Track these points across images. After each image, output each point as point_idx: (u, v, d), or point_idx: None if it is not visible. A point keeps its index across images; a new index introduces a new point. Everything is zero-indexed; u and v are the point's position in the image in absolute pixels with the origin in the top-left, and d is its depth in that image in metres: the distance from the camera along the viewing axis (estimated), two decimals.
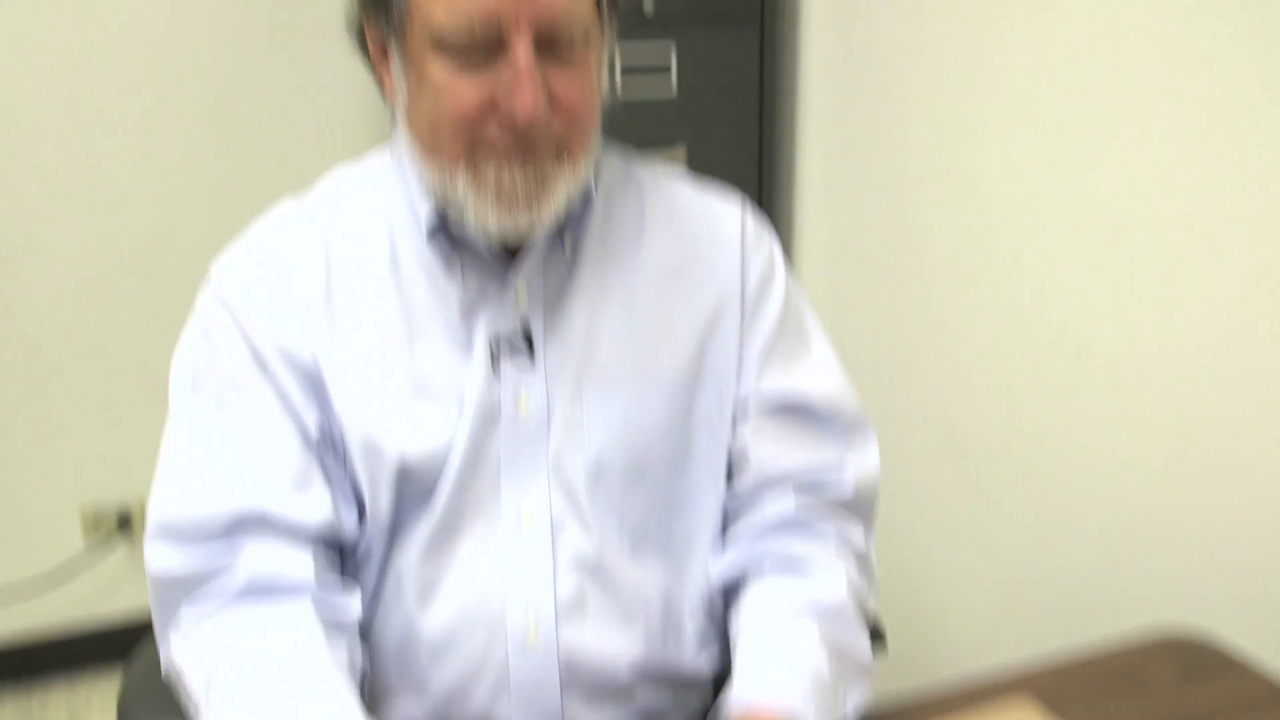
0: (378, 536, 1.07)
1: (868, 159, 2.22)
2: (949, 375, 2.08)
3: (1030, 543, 1.95)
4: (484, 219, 1.03)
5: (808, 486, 1.13)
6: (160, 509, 1.03)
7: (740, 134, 2.32)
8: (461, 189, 1.02)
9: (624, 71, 2.17)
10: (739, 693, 1.00)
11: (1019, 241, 1.89)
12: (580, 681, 1.07)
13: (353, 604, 1.05)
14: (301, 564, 1.02)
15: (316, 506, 1.04)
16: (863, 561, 1.14)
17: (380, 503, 1.06)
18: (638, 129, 2.18)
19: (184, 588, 1.01)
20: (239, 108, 2.54)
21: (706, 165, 2.27)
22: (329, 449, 1.06)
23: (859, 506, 1.15)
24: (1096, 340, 1.77)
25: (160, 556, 1.02)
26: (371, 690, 1.10)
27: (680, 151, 2.25)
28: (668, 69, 2.21)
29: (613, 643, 1.08)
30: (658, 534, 1.10)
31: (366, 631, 1.09)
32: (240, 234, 1.13)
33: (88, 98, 2.43)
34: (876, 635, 1.20)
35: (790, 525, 1.12)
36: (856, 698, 1.07)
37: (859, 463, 1.15)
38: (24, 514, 2.53)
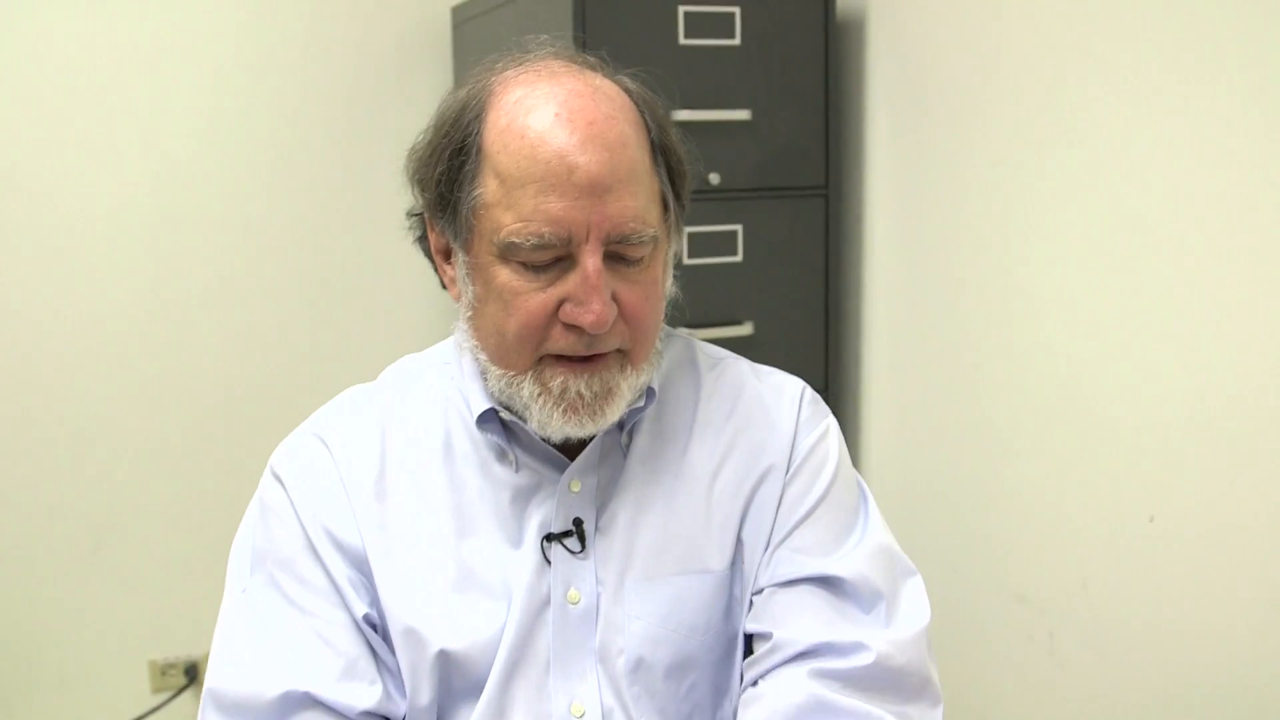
0: None
1: (934, 329, 2.22)
2: (1022, 534, 2.04)
3: (1105, 711, 1.89)
4: (548, 426, 1.04)
5: (822, 663, 1.04)
6: (214, 681, 1.04)
7: (806, 306, 2.32)
8: (526, 397, 1.03)
9: (690, 250, 2.19)
10: None
11: (1093, 407, 1.87)
12: None
13: None
14: None
15: (364, 693, 1.03)
16: None
17: (421, 692, 1.05)
18: (704, 303, 2.20)
19: None
20: (318, 291, 2.64)
21: (772, 338, 2.28)
22: (379, 637, 1.06)
23: (889, 680, 1.05)
24: (1173, 507, 1.73)
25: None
26: None
27: (747, 327, 2.26)
28: (734, 243, 2.22)
29: None
30: (700, 716, 1.08)
31: None
32: (307, 418, 1.16)
33: (168, 292, 2.53)
34: None
35: (804, 712, 1.03)
36: None
37: (888, 633, 1.06)
38: (94, 665, 2.55)
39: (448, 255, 1.10)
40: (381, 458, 1.10)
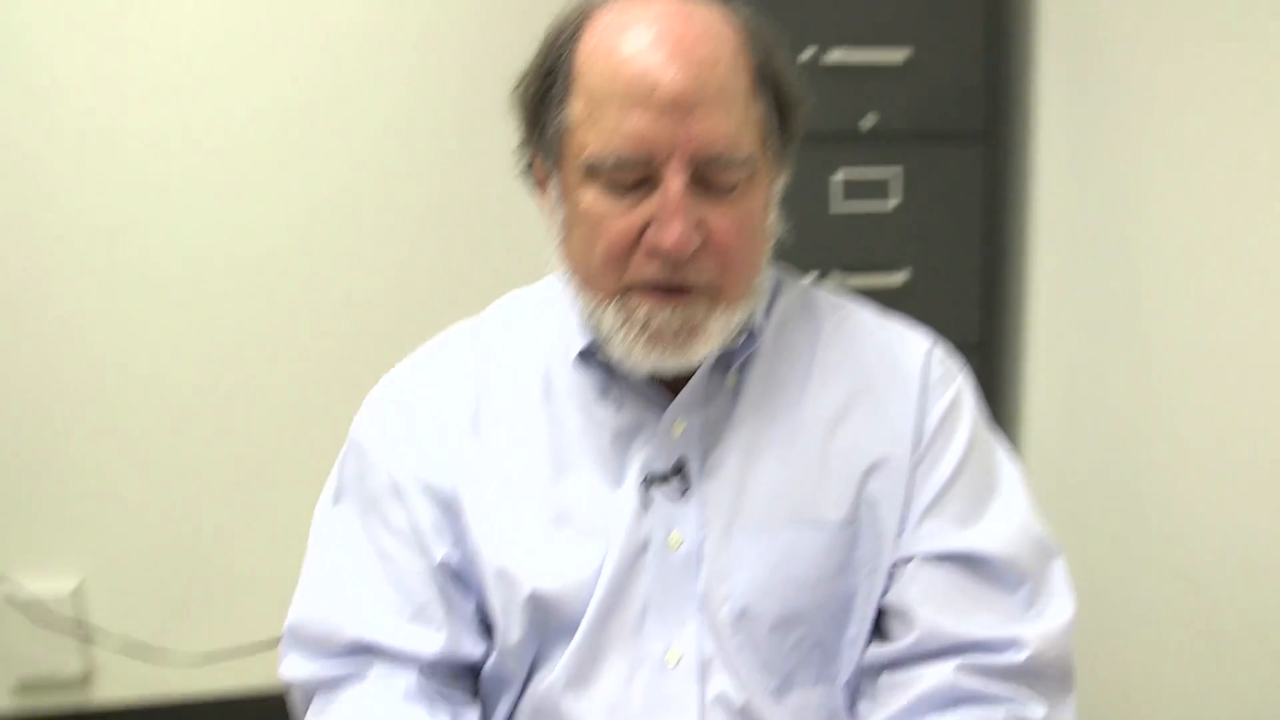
0: (514, 664, 1.05)
1: (1104, 277, 2.09)
2: (1182, 506, 1.92)
3: (1272, 697, 1.77)
4: (630, 356, 1.00)
5: (973, 659, 1.02)
6: (294, 615, 1.06)
7: (964, 256, 2.21)
8: (609, 327, 1.00)
9: (844, 193, 2.11)
10: None
11: (1268, 383, 1.73)
12: None
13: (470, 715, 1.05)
14: (411, 680, 1.03)
15: (430, 639, 1.04)
16: None
17: (512, 631, 1.04)
18: (857, 250, 2.13)
19: (311, 689, 1.05)
20: (435, 230, 2.62)
21: (928, 288, 2.19)
22: (456, 581, 1.06)
23: (1037, 673, 1.02)
24: None
25: (290, 665, 1.06)
26: None
27: (901, 275, 2.17)
28: (888, 189, 2.14)
29: None
30: (805, 679, 1.04)
31: None
32: (410, 355, 1.15)
33: (283, 239, 2.55)
34: None
35: (951, 700, 1.01)
36: None
37: (1038, 626, 1.03)
38: (267, 571, 2.64)
39: (546, 183, 1.07)
40: (479, 395, 1.08)
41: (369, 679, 1.03)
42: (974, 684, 1.00)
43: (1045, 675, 1.02)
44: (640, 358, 1.00)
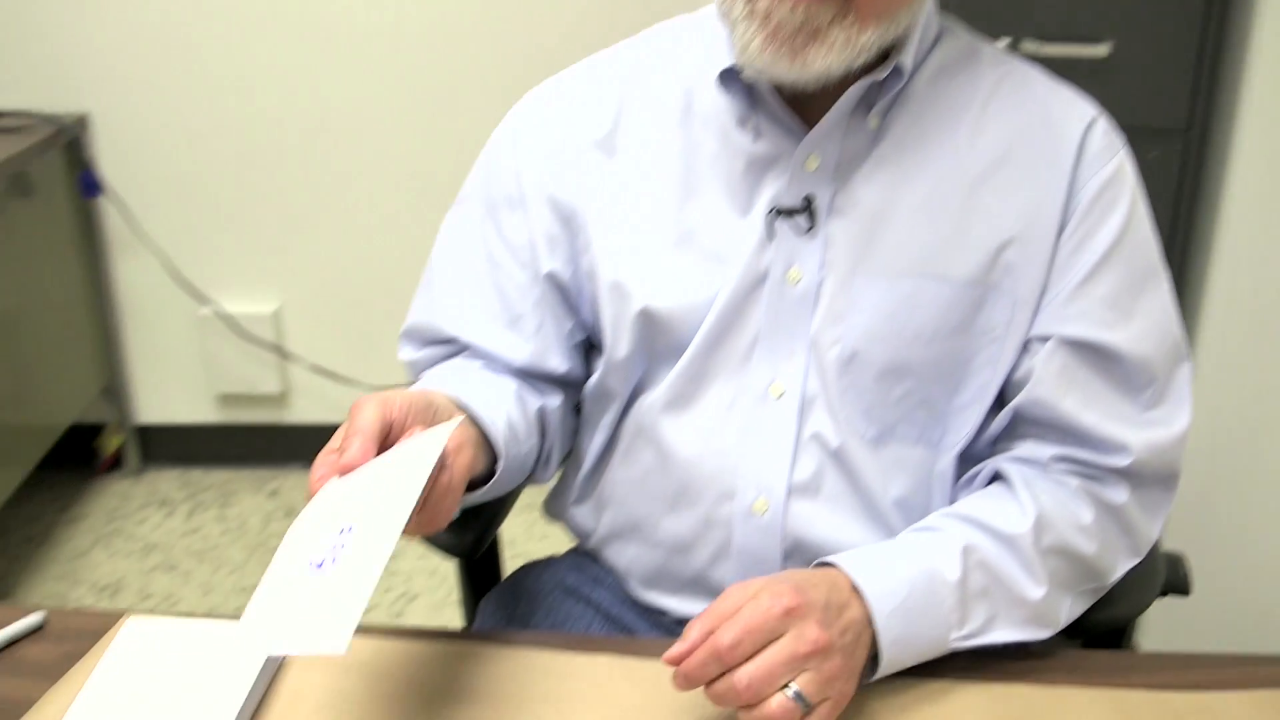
0: (618, 381, 1.07)
1: None
2: None
3: None
4: (746, 52, 0.96)
5: (1074, 451, 1.01)
6: (412, 308, 1.14)
7: (1176, 25, 2.04)
8: (735, 15, 0.96)
9: None
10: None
11: None
12: (802, 560, 1.03)
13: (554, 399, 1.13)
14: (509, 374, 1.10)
15: (520, 348, 1.09)
16: (1111, 513, 1.01)
17: (620, 346, 1.06)
18: (1059, 16, 2.00)
19: (418, 370, 1.13)
20: None
21: (1133, 64, 2.03)
22: (559, 295, 1.09)
23: (1135, 478, 1.01)
24: None
25: (402, 352, 1.15)
26: (603, 534, 1.13)
27: (1104, 48, 2.02)
28: None
29: (842, 529, 1.03)
30: (906, 434, 1.03)
31: (603, 475, 1.12)
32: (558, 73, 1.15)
33: None
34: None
35: (1035, 464, 1.02)
36: (1003, 629, 0.95)
37: (1149, 434, 1.00)
38: None
39: None
40: (619, 114, 1.08)
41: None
42: (1066, 478, 1.01)
43: (1144, 479, 1.01)
44: (755, 52, 0.95)
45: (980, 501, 0.99)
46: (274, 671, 0.93)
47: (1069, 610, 1.00)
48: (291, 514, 2.75)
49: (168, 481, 2.90)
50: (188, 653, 0.91)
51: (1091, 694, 0.92)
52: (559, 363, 1.10)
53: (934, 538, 0.96)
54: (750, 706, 0.82)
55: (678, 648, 0.82)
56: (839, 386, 1.01)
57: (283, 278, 2.78)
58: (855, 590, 0.89)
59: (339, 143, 2.68)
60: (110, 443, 2.90)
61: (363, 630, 0.99)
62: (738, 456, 1.03)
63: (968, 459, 1.05)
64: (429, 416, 0.92)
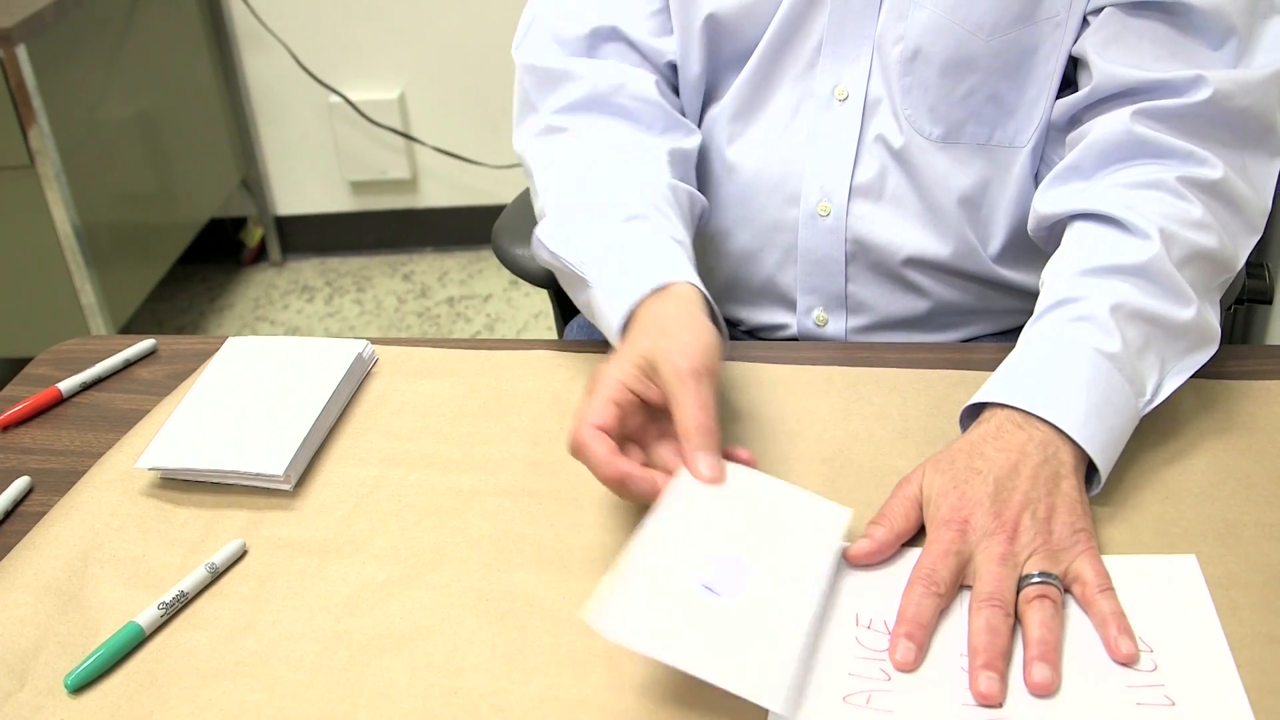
0: (690, 93, 1.07)
1: None
2: None
3: None
4: None
5: (1151, 102, 0.92)
6: (540, 6, 1.07)
7: None
8: None
9: None
10: (991, 392, 0.83)
11: None
12: (865, 262, 1.04)
13: (693, 138, 1.06)
14: (648, 82, 1.03)
15: (669, 42, 1.05)
16: (1215, 193, 0.92)
17: (691, 58, 1.05)
18: None
19: (545, 80, 1.05)
20: None
21: None
22: None
23: (1224, 122, 0.92)
24: None
25: (531, 49, 1.07)
26: None
27: None
28: None
29: (905, 229, 1.03)
30: (975, 130, 1.00)
31: None
32: None
33: None
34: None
35: (1123, 151, 0.93)
36: (1176, 372, 0.86)
37: (1231, 73, 0.92)
38: None
39: None
40: None
41: (612, 65, 1.04)
42: (1148, 130, 0.92)
43: (1234, 126, 0.92)
44: None
45: (1095, 247, 0.89)
46: (361, 378, 0.98)
47: (1215, 314, 0.91)
48: (425, 296, 2.85)
49: (308, 270, 3.02)
50: (280, 364, 0.97)
51: None
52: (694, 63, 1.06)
53: (1077, 316, 0.84)
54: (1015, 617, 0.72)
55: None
56: (902, 86, 0.99)
57: (404, 62, 2.81)
58: (1043, 424, 0.79)
59: None
60: (254, 234, 3.02)
61: (442, 343, 1.04)
62: (802, 161, 1.03)
63: (1040, 149, 1.01)
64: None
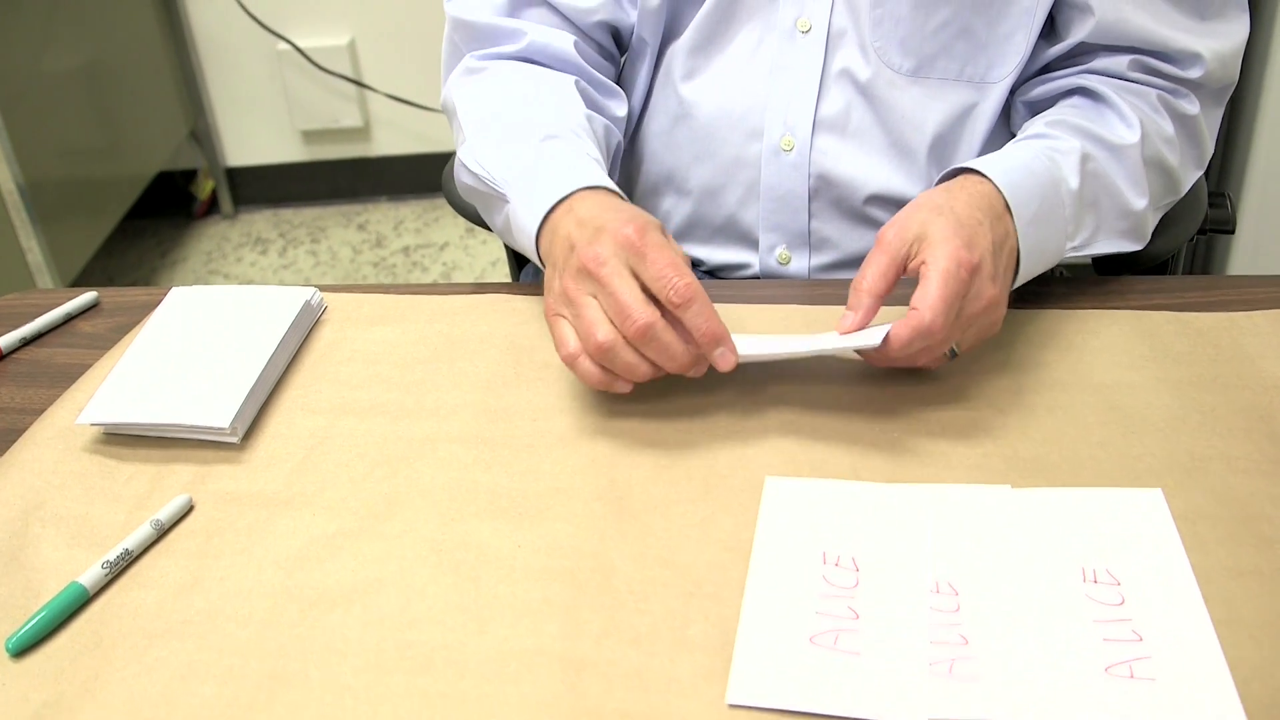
0: (649, 25, 1.04)
1: None
2: None
3: None
4: None
5: (1149, 61, 0.96)
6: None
7: None
8: None
9: None
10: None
11: None
12: (829, 198, 1.02)
13: (615, 105, 1.04)
14: (566, 42, 1.02)
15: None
16: (1185, 124, 0.98)
17: None
18: None
19: (471, 35, 1.04)
20: None
21: None
22: None
23: (1203, 85, 0.98)
24: None
25: (461, 3, 1.04)
26: (639, 191, 1.11)
27: None
28: None
29: (870, 165, 1.01)
30: (947, 65, 0.98)
31: (637, 130, 1.09)
32: None
33: None
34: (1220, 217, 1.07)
35: (1113, 76, 0.98)
36: (1104, 240, 0.93)
37: (1214, 44, 0.96)
38: None
39: None
40: None
41: (534, 28, 1.02)
42: (1140, 75, 0.96)
43: (1209, 91, 0.99)
44: None
45: (1083, 113, 0.95)
46: (309, 326, 0.96)
47: (1153, 224, 0.99)
48: (380, 245, 2.81)
49: (261, 222, 2.97)
50: (226, 314, 0.95)
51: (1113, 315, 0.90)
52: (631, 11, 1.04)
53: (1053, 145, 0.91)
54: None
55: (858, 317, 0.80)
56: (873, 17, 0.97)
57: (354, 7, 2.75)
58: (1008, 210, 0.84)
59: None
60: (204, 187, 2.97)
61: (393, 289, 1.02)
62: (765, 95, 1.01)
63: (1021, 99, 1.02)
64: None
